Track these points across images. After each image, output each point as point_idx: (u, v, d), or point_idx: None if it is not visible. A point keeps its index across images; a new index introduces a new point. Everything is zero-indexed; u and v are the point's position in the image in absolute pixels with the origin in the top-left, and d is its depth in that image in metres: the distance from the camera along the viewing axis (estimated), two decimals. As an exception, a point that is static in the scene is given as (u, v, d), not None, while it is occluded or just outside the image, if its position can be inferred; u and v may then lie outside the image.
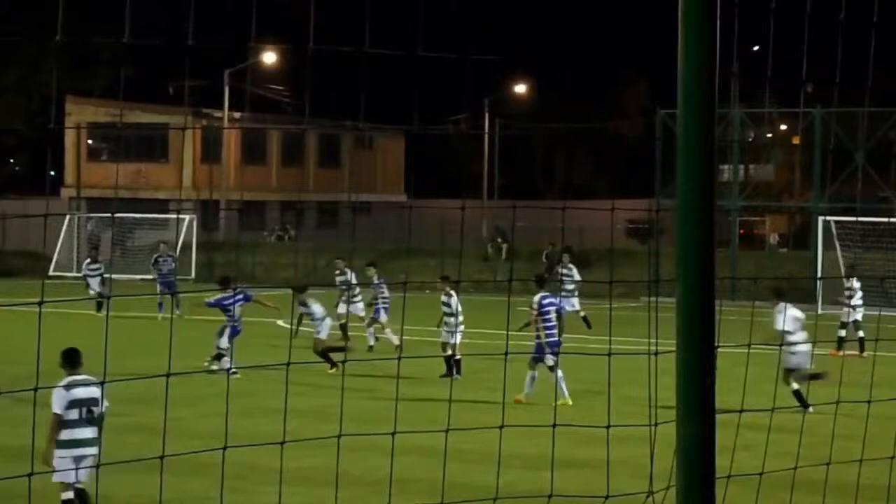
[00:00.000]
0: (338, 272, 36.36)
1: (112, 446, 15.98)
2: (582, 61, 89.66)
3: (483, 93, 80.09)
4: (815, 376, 23.37)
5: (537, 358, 24.46)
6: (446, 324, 28.33)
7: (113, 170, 73.10)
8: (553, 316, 24.92)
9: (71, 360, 14.35)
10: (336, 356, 27.95)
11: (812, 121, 54.23)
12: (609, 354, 6.90)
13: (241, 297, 28.97)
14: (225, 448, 7.09)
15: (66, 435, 14.13)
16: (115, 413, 16.35)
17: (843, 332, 32.73)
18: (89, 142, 78.36)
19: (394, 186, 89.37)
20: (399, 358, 7.62)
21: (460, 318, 28.12)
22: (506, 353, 7.69)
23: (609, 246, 58.68)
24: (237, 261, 62.65)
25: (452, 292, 28.44)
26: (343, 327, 34.16)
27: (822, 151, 53.86)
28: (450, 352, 27.81)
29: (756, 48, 55.13)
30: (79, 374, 14.29)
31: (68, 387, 14.14)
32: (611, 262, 56.33)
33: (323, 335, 29.18)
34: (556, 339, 24.61)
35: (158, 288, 42.86)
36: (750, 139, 67.81)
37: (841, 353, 30.36)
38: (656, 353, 6.09)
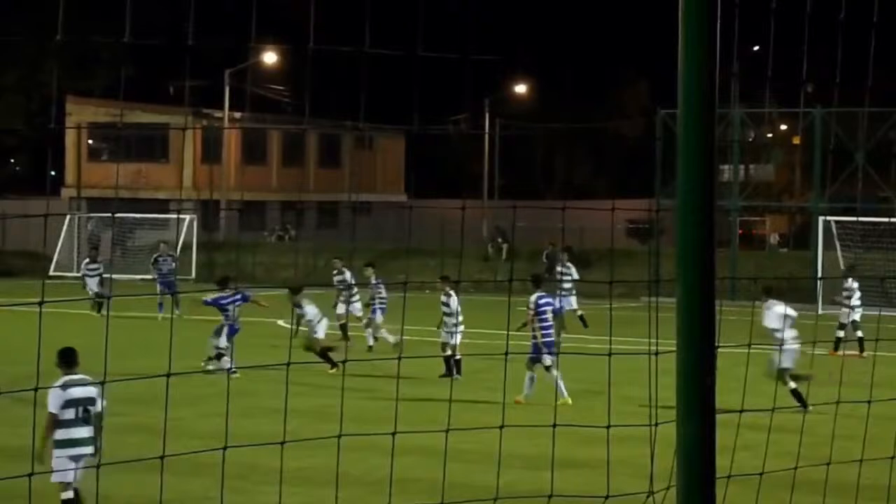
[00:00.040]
0: (335, 272, 36.38)
1: (112, 446, 15.99)
2: (582, 61, 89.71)
3: (483, 93, 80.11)
4: (798, 378, 23.34)
5: (534, 359, 24.46)
6: (446, 324, 28.35)
7: (113, 170, 73.11)
8: (549, 316, 24.92)
9: (67, 359, 14.35)
10: (336, 356, 27.97)
11: (812, 121, 54.24)
12: (609, 354, 6.90)
13: (238, 297, 29.01)
14: (225, 448, 7.09)
15: (62, 434, 14.13)
16: (115, 413, 16.36)
17: (841, 333, 32.76)
18: (90, 142, 78.37)
19: (394, 186, 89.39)
20: (399, 358, 7.62)
21: (460, 319, 28.12)
22: (506, 353, 7.69)
23: (609, 246, 58.68)
24: (237, 261, 62.65)
25: (452, 292, 28.45)
26: (343, 327, 34.19)
27: (822, 151, 53.87)
28: (449, 352, 27.83)
29: (756, 48, 55.11)
30: (75, 374, 14.29)
31: (64, 386, 14.14)
32: (611, 262, 56.33)
33: (320, 335, 29.18)
34: (552, 339, 24.62)
35: (158, 288, 42.84)
36: (750, 139, 67.83)
37: (841, 353, 30.37)
38: (657, 353, 6.09)
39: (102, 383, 14.32)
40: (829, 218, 49.62)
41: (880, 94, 51.55)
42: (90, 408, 14.23)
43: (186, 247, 59.90)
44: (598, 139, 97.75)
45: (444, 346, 28.07)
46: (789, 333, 23.30)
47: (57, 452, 14.13)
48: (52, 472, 14.07)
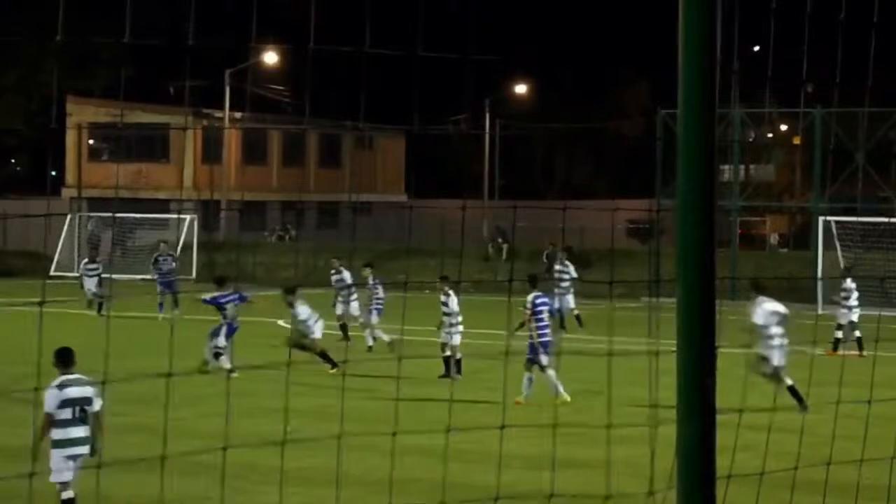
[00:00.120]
0: (333, 271, 36.41)
1: (112, 446, 15.99)
2: (582, 61, 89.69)
3: (483, 93, 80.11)
4: (774, 376, 23.29)
5: (532, 359, 24.44)
6: (445, 324, 28.35)
7: (114, 170, 73.10)
8: (546, 316, 24.91)
9: (64, 359, 14.34)
10: (336, 356, 27.98)
11: (812, 121, 54.24)
12: (609, 354, 6.90)
13: (236, 296, 29.08)
14: (225, 448, 7.10)
15: (60, 434, 14.13)
16: (115, 413, 16.36)
17: (839, 334, 32.78)
18: (90, 142, 78.38)
19: (394, 186, 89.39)
20: (399, 358, 7.63)
21: (459, 319, 28.12)
22: (506, 354, 7.70)
23: (609, 246, 58.68)
24: (238, 261, 62.65)
25: (451, 292, 28.45)
26: (343, 328, 34.21)
27: (822, 151, 53.87)
28: (448, 352, 27.83)
29: (756, 48, 55.13)
30: (72, 374, 14.29)
31: (61, 386, 14.14)
32: (611, 262, 56.33)
33: (318, 335, 29.17)
34: (548, 338, 24.62)
35: (158, 288, 42.84)
36: (750, 139, 67.83)
37: (841, 353, 30.37)
38: (657, 353, 6.10)
39: (102, 383, 14.33)
40: (829, 218, 49.63)
41: (880, 94, 51.54)
42: (87, 408, 14.23)
43: (187, 247, 59.91)
44: (598, 139, 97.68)
45: (444, 346, 28.08)
46: (777, 330, 23.26)
47: (54, 452, 14.14)
48: (51, 472, 14.10)
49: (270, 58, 71.75)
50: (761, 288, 24.67)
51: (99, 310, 41.94)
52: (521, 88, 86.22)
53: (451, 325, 28.00)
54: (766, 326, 23.13)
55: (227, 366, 27.09)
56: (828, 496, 10.18)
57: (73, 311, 39.46)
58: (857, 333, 32.60)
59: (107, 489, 14.21)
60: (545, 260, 52.07)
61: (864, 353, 31.59)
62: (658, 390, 6.80)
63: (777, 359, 23.18)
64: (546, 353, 24.32)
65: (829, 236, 48.86)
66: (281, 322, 36.75)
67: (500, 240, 68.94)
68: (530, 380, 24.35)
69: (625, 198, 76.73)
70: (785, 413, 19.88)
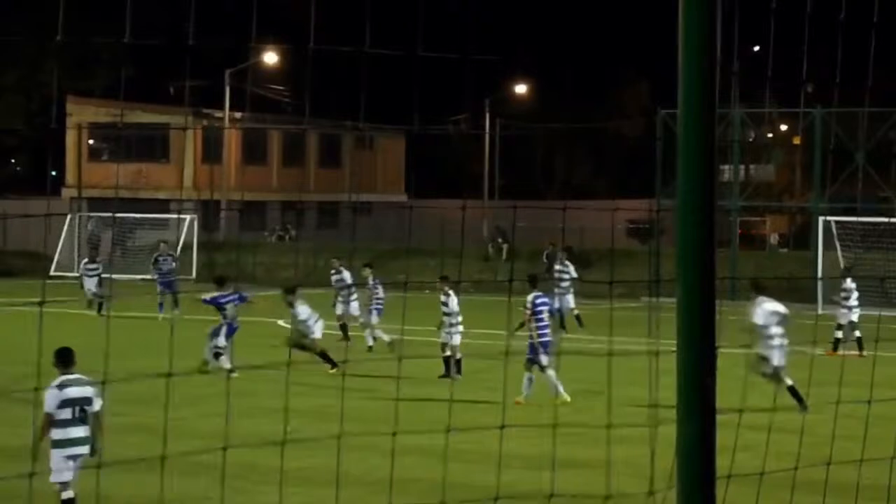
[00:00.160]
0: (333, 271, 36.42)
1: (112, 446, 15.99)
2: (582, 61, 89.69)
3: (483, 93, 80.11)
4: (774, 376, 23.28)
5: (532, 359, 24.44)
6: (445, 324, 28.35)
7: (114, 170, 73.09)
8: (546, 316, 24.91)
9: (64, 359, 14.34)
10: (336, 356, 27.99)
11: (812, 121, 54.24)
12: (609, 354, 6.90)
13: (236, 296, 29.09)
14: (225, 448, 7.10)
15: (60, 434, 14.13)
16: (115, 413, 16.36)
17: (839, 334, 32.78)
18: (90, 142, 78.39)
19: (394, 186, 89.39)
20: (399, 358, 7.63)
21: (459, 319, 28.13)
22: (506, 354, 7.70)
23: (609, 246, 58.67)
24: (238, 261, 62.65)
25: (451, 292, 28.46)
26: (343, 328, 34.22)
27: (822, 151, 53.87)
28: (448, 352, 27.83)
29: (756, 48, 55.12)
30: (72, 374, 14.29)
31: (61, 386, 14.14)
32: (611, 262, 56.32)
33: (318, 335, 29.18)
34: (548, 338, 24.62)
35: (158, 288, 42.84)
36: (750, 139, 67.82)
37: (841, 353, 30.37)
38: (657, 353, 6.10)
39: (102, 383, 14.33)
40: (829, 218, 49.63)
41: (880, 94, 51.54)
42: (87, 408, 14.23)
43: (187, 247, 59.91)
44: (598, 139, 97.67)
45: (444, 346, 28.09)
46: (777, 330, 23.26)
47: (54, 452, 14.14)
48: (51, 472, 14.10)
49: (270, 58, 71.76)
50: (761, 288, 24.66)
51: (99, 310, 41.94)
52: (521, 88, 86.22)
53: (451, 325, 28.01)
54: (766, 326, 23.13)
55: (227, 366, 27.11)
56: (828, 496, 10.18)
57: (73, 311, 39.46)
58: (857, 333, 32.60)
59: (107, 489, 14.21)
60: (545, 260, 52.06)
61: (864, 353, 31.60)
62: (658, 390, 6.80)
63: (777, 359, 23.17)
64: (546, 353, 24.32)
65: (829, 236, 48.87)
66: (281, 322, 36.75)
67: (500, 240, 68.93)
68: (530, 380, 24.35)
69: (625, 198, 76.71)
70: (785, 413, 19.89)
